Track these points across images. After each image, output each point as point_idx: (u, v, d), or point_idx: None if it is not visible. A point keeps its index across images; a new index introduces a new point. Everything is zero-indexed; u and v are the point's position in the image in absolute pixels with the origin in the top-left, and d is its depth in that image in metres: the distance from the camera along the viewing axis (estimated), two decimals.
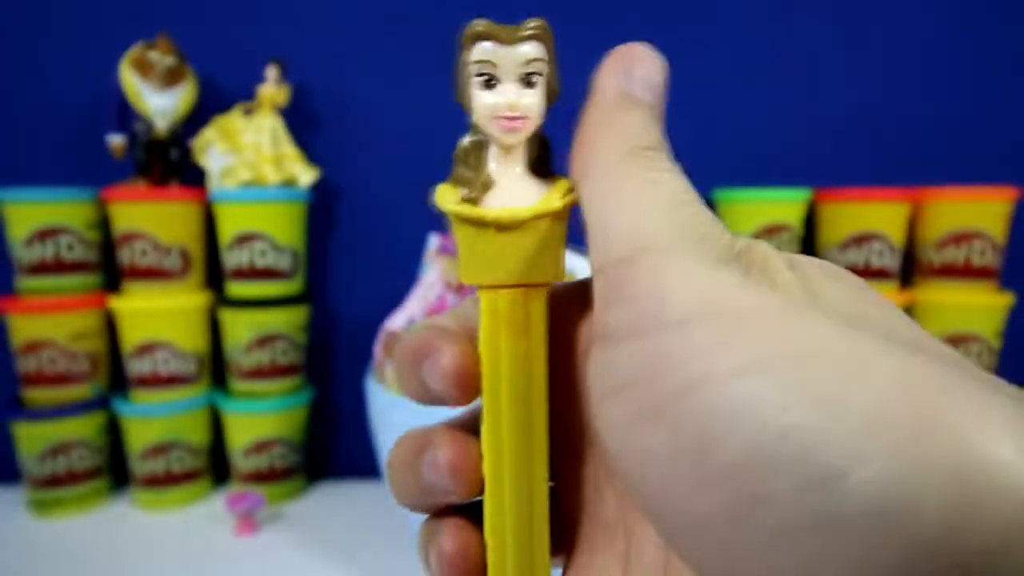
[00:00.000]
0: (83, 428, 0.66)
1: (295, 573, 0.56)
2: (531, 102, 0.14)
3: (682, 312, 0.11)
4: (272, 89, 0.67)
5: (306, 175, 0.68)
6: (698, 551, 0.11)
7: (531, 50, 0.14)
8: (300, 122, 0.71)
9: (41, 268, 0.64)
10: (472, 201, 0.14)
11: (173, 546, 0.60)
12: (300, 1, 0.71)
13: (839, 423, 0.09)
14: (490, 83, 0.14)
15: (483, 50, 0.14)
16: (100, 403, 0.67)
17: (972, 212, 0.66)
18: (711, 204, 0.72)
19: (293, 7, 0.71)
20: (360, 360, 0.70)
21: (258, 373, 0.67)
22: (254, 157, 0.66)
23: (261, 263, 0.66)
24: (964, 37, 0.73)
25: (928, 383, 0.09)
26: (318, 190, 0.72)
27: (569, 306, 0.17)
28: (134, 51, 0.64)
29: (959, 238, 0.66)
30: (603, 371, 0.12)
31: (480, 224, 0.14)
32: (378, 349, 0.54)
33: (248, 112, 0.68)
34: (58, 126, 0.70)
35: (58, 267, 0.64)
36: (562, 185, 0.15)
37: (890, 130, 0.74)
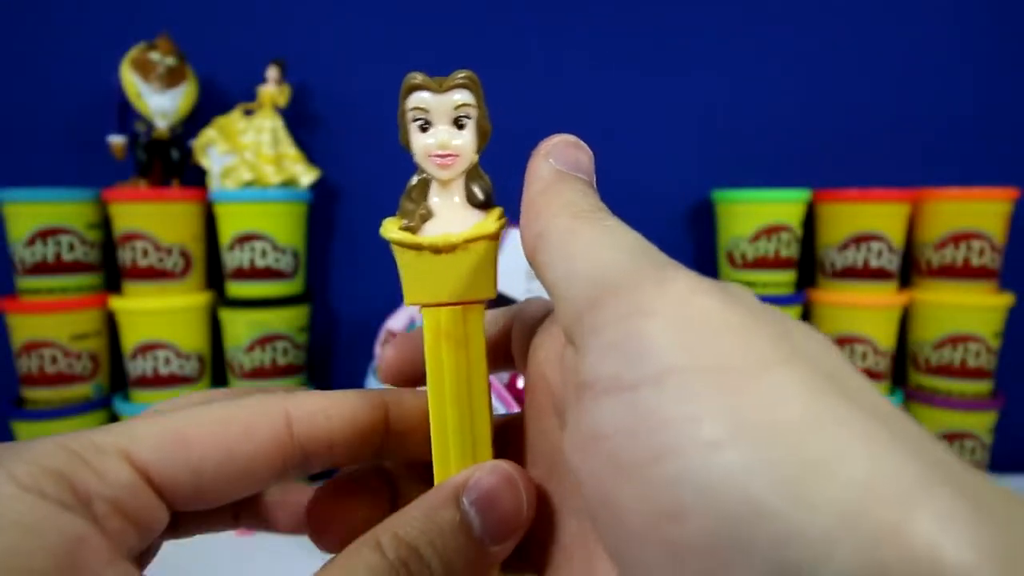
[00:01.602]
0: (83, 428, 0.66)
1: (295, 572, 0.56)
2: (461, 143, 0.16)
3: (660, 365, 0.11)
4: (272, 89, 0.67)
5: (306, 175, 0.68)
6: None
7: (460, 97, 0.16)
8: (300, 122, 0.71)
9: (41, 268, 0.64)
10: (411, 230, 0.16)
11: (173, 545, 0.60)
12: (300, 1, 0.71)
13: (814, 517, 0.09)
14: (425, 127, 0.16)
15: (418, 99, 0.16)
16: (100, 403, 0.67)
17: (971, 212, 0.66)
18: (711, 204, 0.72)
19: (293, 7, 0.71)
20: (360, 360, 0.70)
21: (258, 373, 0.68)
22: (254, 157, 0.66)
23: (261, 263, 0.66)
24: (964, 37, 0.73)
25: (897, 479, 0.09)
26: (318, 190, 0.72)
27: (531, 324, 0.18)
28: (135, 51, 0.64)
29: (958, 238, 0.66)
30: (583, 419, 0.12)
31: (417, 248, 0.16)
32: (378, 349, 0.54)
33: (248, 112, 0.68)
34: (58, 126, 0.70)
35: (58, 267, 0.64)
36: (495, 212, 0.17)
37: (890, 130, 0.74)
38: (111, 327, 0.69)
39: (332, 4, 0.71)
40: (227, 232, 0.67)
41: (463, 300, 0.16)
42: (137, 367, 0.66)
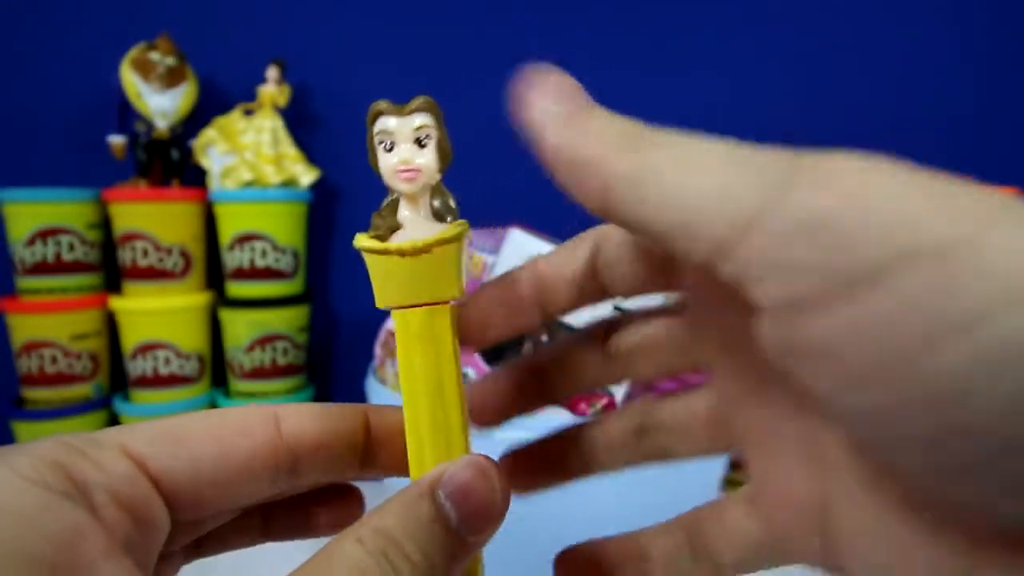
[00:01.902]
0: (83, 428, 0.66)
1: (278, 567, 0.56)
2: (423, 160, 0.18)
3: (888, 253, 0.11)
4: (272, 89, 0.67)
5: (306, 175, 0.68)
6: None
7: (420, 120, 0.17)
8: (300, 122, 0.71)
9: (41, 268, 0.64)
10: (380, 238, 0.18)
11: None
12: (300, 1, 0.71)
13: None
14: (390, 148, 0.18)
15: (383, 123, 0.18)
16: (100, 403, 0.67)
17: None
18: None
19: (293, 7, 0.71)
20: (360, 360, 0.70)
21: (258, 373, 0.68)
22: (254, 157, 0.66)
23: (261, 263, 0.66)
24: (964, 37, 0.73)
25: None
26: (318, 190, 0.72)
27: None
28: (135, 51, 0.64)
29: None
30: (805, 334, 0.12)
31: (385, 253, 0.17)
32: (378, 349, 0.55)
33: (248, 112, 0.68)
34: (58, 126, 0.70)
35: (58, 267, 0.64)
36: (458, 223, 0.18)
37: (890, 130, 0.74)
38: (111, 327, 0.69)
39: (332, 4, 0.71)
40: (227, 232, 0.67)
41: (430, 301, 0.17)
42: (137, 367, 0.66)
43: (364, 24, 0.71)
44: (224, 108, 0.68)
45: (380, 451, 0.19)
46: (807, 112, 0.74)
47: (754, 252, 0.12)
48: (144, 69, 0.63)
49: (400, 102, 0.18)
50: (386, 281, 0.17)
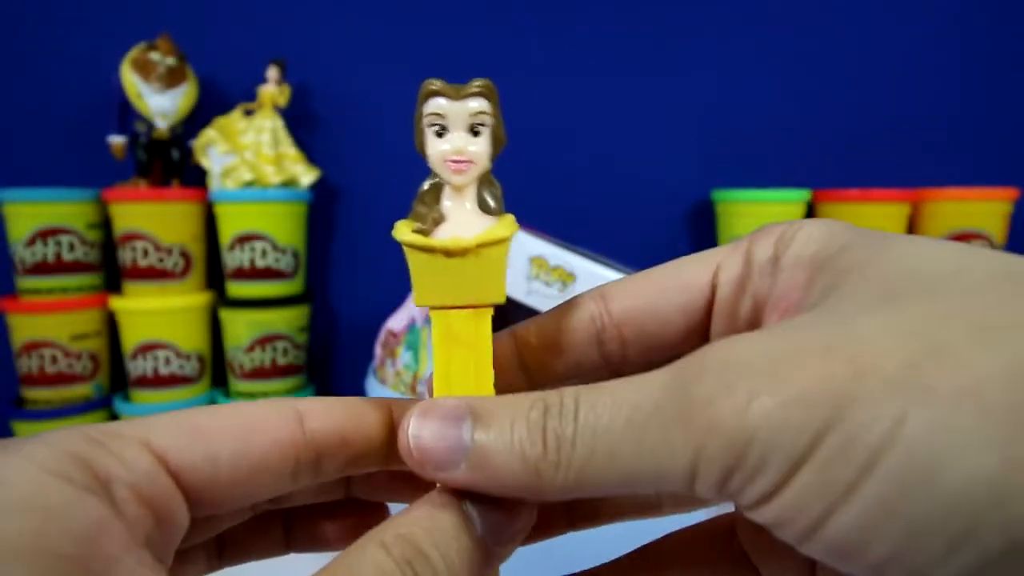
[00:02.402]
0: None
1: (295, 572, 0.56)
2: (476, 149, 0.16)
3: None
4: (272, 89, 0.67)
5: (306, 175, 0.68)
6: None
7: (476, 105, 0.16)
8: (300, 122, 0.71)
9: (41, 268, 0.64)
10: (423, 232, 0.17)
11: None
12: (300, 1, 0.71)
13: None
14: (441, 133, 0.16)
15: (435, 105, 0.16)
16: (100, 403, 0.67)
17: (972, 212, 0.66)
18: (711, 204, 0.72)
19: (293, 7, 0.71)
20: (360, 360, 0.70)
21: (259, 373, 0.68)
22: (254, 157, 0.66)
23: (261, 263, 0.66)
24: (964, 37, 0.73)
25: None
26: (318, 190, 0.72)
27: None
28: (135, 51, 0.64)
29: (959, 238, 0.66)
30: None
31: (429, 251, 0.16)
32: (378, 349, 0.55)
33: (249, 112, 0.68)
34: (58, 126, 0.70)
35: (58, 267, 0.64)
36: (507, 219, 0.17)
37: (890, 130, 0.74)
38: (111, 327, 0.69)
39: (332, 4, 0.71)
40: (227, 232, 0.67)
41: (473, 304, 0.17)
42: (137, 367, 0.66)
43: (364, 24, 0.71)
44: (224, 108, 0.68)
45: None
46: (807, 112, 0.74)
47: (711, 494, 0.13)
48: (144, 69, 0.63)
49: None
50: (427, 279, 0.17)
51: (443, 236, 0.17)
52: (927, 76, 0.73)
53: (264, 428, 0.16)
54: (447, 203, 0.17)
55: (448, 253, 0.16)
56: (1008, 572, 0.11)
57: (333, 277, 0.76)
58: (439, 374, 0.17)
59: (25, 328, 0.64)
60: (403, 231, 0.17)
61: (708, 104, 0.73)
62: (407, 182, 0.67)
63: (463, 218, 0.17)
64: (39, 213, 0.63)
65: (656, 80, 0.73)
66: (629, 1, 0.72)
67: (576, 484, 0.14)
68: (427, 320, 0.50)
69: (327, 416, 0.17)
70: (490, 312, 0.17)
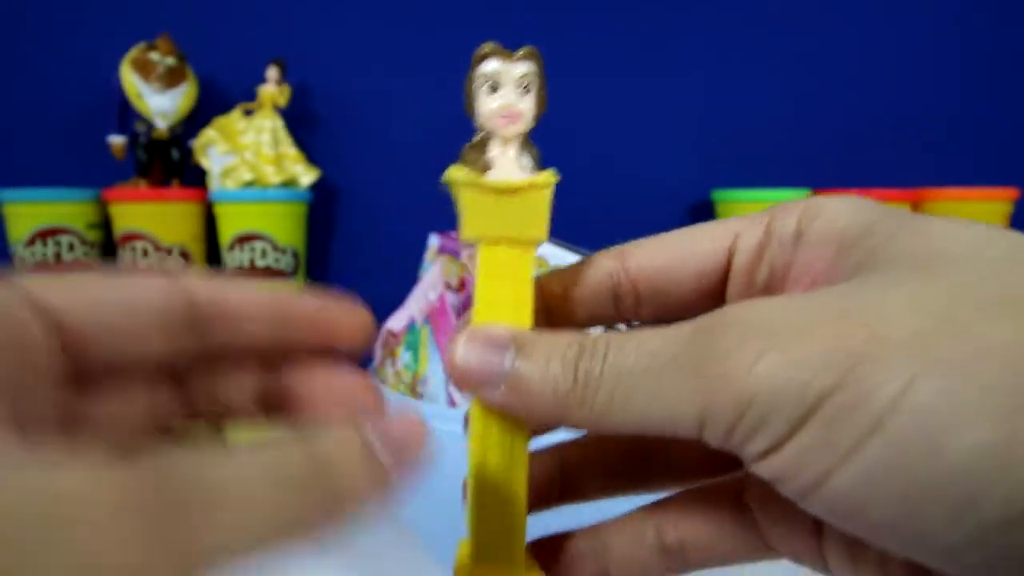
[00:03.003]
0: None
1: (295, 572, 0.56)
2: (525, 106, 0.18)
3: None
4: (272, 89, 0.67)
5: (306, 175, 0.68)
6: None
7: (526, 67, 0.18)
8: (300, 122, 0.71)
9: (42, 268, 0.64)
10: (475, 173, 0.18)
11: None
12: (300, 1, 0.71)
13: None
14: (494, 90, 0.18)
15: (489, 65, 0.18)
16: None
17: (972, 212, 0.66)
18: (711, 204, 0.72)
19: (293, 7, 0.71)
20: (360, 360, 0.71)
21: None
22: (254, 157, 0.66)
23: (261, 263, 0.66)
24: (964, 37, 0.73)
25: None
26: (318, 190, 0.72)
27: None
28: (135, 51, 0.64)
29: None
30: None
31: (482, 188, 0.18)
32: (378, 349, 0.55)
33: (248, 112, 0.68)
34: (58, 126, 0.70)
35: (59, 267, 0.64)
36: (549, 171, 0.19)
37: (890, 130, 0.74)
38: None
39: (332, 4, 0.71)
40: (227, 232, 0.67)
41: (519, 239, 0.18)
42: None
43: (364, 24, 0.71)
44: (224, 108, 0.68)
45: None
46: (807, 112, 0.74)
47: (718, 442, 0.13)
48: (144, 69, 0.63)
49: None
50: (476, 215, 0.18)
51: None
52: (927, 76, 0.73)
53: (146, 284, 0.15)
54: (493, 154, 0.18)
55: (498, 191, 0.18)
56: (1007, 542, 0.11)
57: (333, 277, 0.76)
58: (482, 304, 0.18)
59: None
60: (456, 172, 0.18)
61: (708, 104, 0.73)
62: (407, 182, 0.68)
63: (508, 167, 0.18)
64: (39, 213, 0.63)
65: (656, 80, 0.73)
66: (629, 1, 0.72)
67: (597, 419, 0.14)
68: (422, 320, 0.50)
69: (216, 287, 0.16)
70: (533, 249, 0.18)
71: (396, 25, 0.71)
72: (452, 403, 0.46)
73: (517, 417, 0.17)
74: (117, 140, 0.66)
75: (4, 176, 0.67)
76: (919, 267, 0.13)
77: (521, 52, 0.18)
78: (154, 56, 0.63)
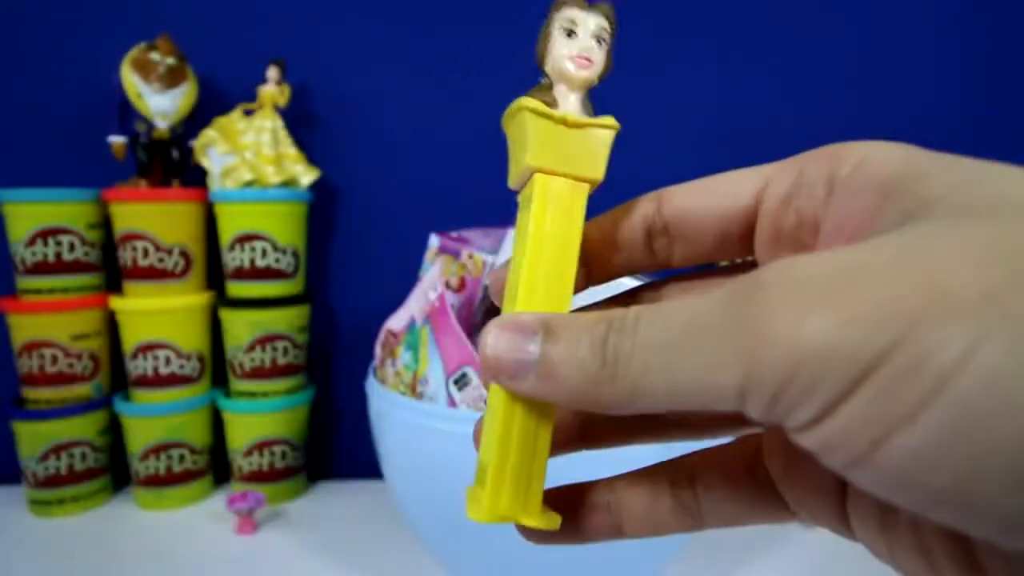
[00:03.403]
0: (83, 428, 0.66)
1: (295, 573, 0.56)
2: (599, 55, 0.19)
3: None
4: (272, 89, 0.67)
5: (306, 175, 0.68)
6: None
7: (603, 20, 0.19)
8: (300, 122, 0.71)
9: (42, 268, 0.64)
10: (546, 104, 0.19)
11: (173, 545, 0.60)
12: (300, 1, 0.71)
13: None
14: (571, 35, 0.19)
15: (571, 11, 0.19)
16: (101, 403, 0.67)
17: None
18: None
19: (293, 7, 0.71)
20: (360, 360, 0.70)
21: (259, 373, 0.68)
22: (254, 157, 0.66)
23: (261, 263, 0.67)
24: (964, 37, 0.73)
25: None
26: (318, 190, 0.72)
27: None
28: (135, 51, 0.64)
29: None
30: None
31: (552, 118, 0.18)
32: (378, 349, 0.55)
33: (248, 112, 0.68)
34: (58, 126, 0.70)
35: (59, 267, 0.64)
36: (609, 118, 0.19)
37: (890, 130, 0.74)
38: (111, 327, 0.69)
39: (332, 4, 0.71)
40: (227, 232, 0.67)
41: (578, 175, 0.18)
42: (137, 367, 0.66)
43: (364, 24, 0.71)
44: (224, 108, 0.68)
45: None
46: (807, 112, 0.74)
47: (762, 416, 0.12)
48: (144, 69, 0.63)
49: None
50: (542, 144, 0.18)
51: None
52: (927, 76, 0.73)
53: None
54: (557, 95, 0.19)
55: (567, 123, 0.18)
56: None
57: (333, 277, 0.76)
58: (536, 232, 0.18)
59: (25, 328, 0.64)
60: (528, 100, 0.19)
61: (708, 104, 0.73)
62: (407, 182, 0.68)
63: (573, 108, 0.19)
64: (39, 213, 0.63)
65: (655, 80, 0.73)
66: (629, 1, 0.72)
67: (630, 397, 0.14)
68: (426, 316, 0.50)
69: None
70: (588, 188, 0.19)
71: (396, 25, 0.71)
72: (452, 403, 0.46)
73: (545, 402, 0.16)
74: (117, 140, 0.66)
75: (4, 176, 0.67)
76: (979, 214, 0.12)
77: (600, 8, 0.19)
78: (154, 56, 0.63)
